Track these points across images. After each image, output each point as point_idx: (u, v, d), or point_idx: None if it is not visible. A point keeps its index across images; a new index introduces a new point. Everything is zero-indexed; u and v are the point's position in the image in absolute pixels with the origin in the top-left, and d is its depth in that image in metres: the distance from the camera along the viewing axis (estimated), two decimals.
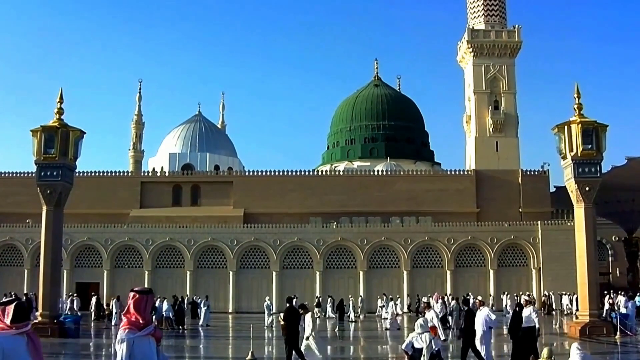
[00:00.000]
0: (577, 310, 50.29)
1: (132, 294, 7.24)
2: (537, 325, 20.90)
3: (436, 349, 15.73)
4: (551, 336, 37.91)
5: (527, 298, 23.91)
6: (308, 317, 19.96)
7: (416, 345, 15.56)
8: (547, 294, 58.11)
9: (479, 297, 23.93)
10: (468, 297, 23.92)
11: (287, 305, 21.44)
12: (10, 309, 6.34)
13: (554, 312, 56.11)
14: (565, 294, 55.09)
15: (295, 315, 20.54)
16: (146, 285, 60.43)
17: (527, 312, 21.22)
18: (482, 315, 20.22)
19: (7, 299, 6.67)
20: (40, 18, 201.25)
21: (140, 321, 6.95)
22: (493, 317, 20.50)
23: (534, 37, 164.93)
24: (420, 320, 16.36)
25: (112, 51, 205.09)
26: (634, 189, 64.26)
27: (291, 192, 71.80)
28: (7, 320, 6.28)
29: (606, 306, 38.51)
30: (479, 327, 19.93)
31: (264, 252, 62.94)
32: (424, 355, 15.52)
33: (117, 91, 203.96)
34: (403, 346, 16.39)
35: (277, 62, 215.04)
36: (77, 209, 57.06)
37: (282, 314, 21.42)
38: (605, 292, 47.12)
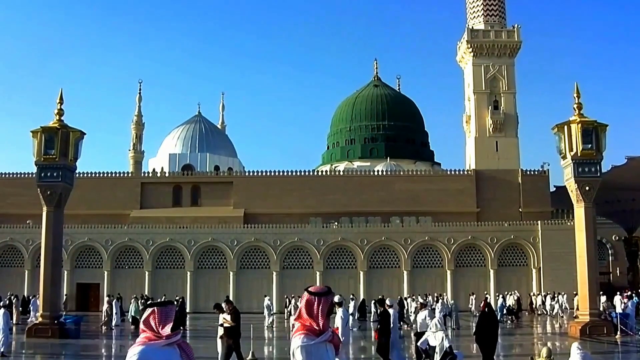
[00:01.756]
0: (563, 310, 50.52)
1: (305, 295, 6.14)
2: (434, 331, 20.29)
3: (448, 346, 16.10)
4: (551, 336, 37.98)
5: (421, 301, 23.07)
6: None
7: (431, 343, 16.10)
8: (532, 294, 58.37)
9: (487, 297, 23.78)
10: (383, 298, 23.69)
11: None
12: (171, 314, 5.55)
13: (536, 313, 56.36)
14: (548, 294, 55.35)
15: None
16: (146, 286, 60.66)
17: (421, 316, 20.28)
18: (421, 317, 20.02)
19: (161, 301, 5.86)
20: (40, 19, 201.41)
21: (315, 327, 5.95)
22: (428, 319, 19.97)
23: (533, 37, 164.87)
24: (435, 320, 16.75)
25: (112, 52, 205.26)
26: (634, 189, 64.27)
27: (291, 193, 71.83)
28: (165, 329, 5.45)
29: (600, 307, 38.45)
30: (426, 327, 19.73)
31: (264, 252, 62.97)
32: (437, 352, 15.96)
33: (117, 92, 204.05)
34: (419, 343, 16.90)
35: (277, 62, 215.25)
36: (77, 209, 57.12)
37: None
38: (601, 292, 47.15)
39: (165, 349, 5.42)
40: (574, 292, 52.27)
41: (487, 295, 48.35)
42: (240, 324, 20.12)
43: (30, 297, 48.35)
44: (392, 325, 19.62)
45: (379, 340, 19.84)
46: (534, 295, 59.21)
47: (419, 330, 20.26)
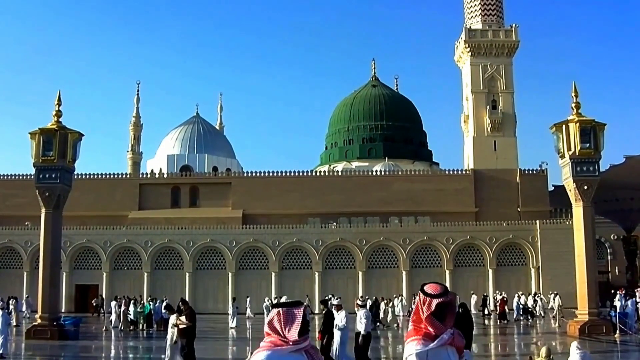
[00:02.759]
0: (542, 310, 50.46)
1: (421, 296, 5.40)
2: (362, 331, 19.77)
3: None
4: (550, 335, 38.00)
5: (359, 302, 22.73)
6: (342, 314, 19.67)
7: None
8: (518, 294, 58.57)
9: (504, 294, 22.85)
10: (328, 299, 23.61)
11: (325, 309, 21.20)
12: (298, 316, 4.96)
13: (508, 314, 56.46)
14: (530, 294, 55.46)
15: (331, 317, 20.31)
16: (145, 287, 60.58)
17: (359, 315, 20.13)
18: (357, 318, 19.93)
19: (289, 301, 5.30)
20: (38, 20, 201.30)
21: (432, 331, 5.29)
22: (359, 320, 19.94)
23: (531, 36, 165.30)
24: None
25: (110, 53, 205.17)
26: (633, 188, 64.29)
27: (290, 193, 71.83)
28: (292, 333, 4.89)
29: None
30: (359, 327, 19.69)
31: (262, 253, 62.96)
32: None
33: (115, 93, 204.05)
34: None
35: (275, 63, 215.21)
36: (76, 211, 57.05)
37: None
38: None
39: (292, 356, 4.89)
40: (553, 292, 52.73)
41: (481, 295, 48.49)
42: (195, 325, 20.05)
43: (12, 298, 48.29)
44: (341, 326, 19.56)
45: (321, 342, 19.77)
46: (517, 295, 59.00)
47: (357, 331, 20.15)
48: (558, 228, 60.55)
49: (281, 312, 4.94)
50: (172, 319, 20.32)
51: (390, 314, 45.98)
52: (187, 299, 26.24)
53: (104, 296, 59.00)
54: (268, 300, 47.75)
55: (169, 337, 19.99)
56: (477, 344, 28.37)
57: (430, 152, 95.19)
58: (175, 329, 20.01)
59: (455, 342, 5.34)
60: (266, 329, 5.01)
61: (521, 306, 49.19)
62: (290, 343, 4.85)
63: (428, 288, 5.37)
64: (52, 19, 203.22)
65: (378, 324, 41.88)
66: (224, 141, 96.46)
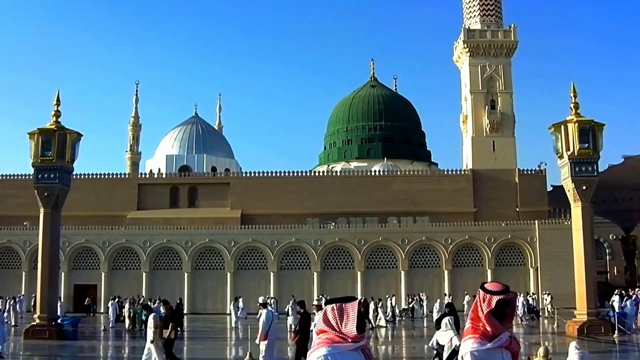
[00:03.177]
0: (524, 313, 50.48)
1: (481, 293, 5.21)
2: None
3: (458, 344, 16.21)
4: (549, 335, 38.01)
5: (315, 303, 22.45)
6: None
7: (440, 342, 16.31)
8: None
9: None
10: (302, 300, 23.49)
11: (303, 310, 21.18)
12: (353, 311, 4.71)
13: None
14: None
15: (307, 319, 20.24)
16: (144, 287, 60.58)
17: (318, 317, 20.00)
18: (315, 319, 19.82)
19: (343, 296, 5.03)
20: (37, 20, 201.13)
21: (490, 330, 5.08)
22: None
23: (530, 36, 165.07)
24: (445, 319, 16.97)
25: (109, 53, 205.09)
26: (631, 188, 64.38)
27: (288, 193, 71.84)
28: (348, 329, 4.67)
29: None
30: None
31: (261, 253, 62.95)
32: (445, 351, 16.12)
33: (113, 93, 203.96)
34: (430, 343, 17.09)
35: (274, 63, 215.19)
36: (74, 211, 56.97)
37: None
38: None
39: (351, 354, 4.69)
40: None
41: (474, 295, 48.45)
42: (179, 323, 19.94)
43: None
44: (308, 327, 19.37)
45: (297, 344, 19.66)
46: (522, 295, 59.00)
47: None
48: (557, 228, 60.56)
49: (335, 307, 4.78)
50: (151, 318, 20.29)
51: (381, 315, 45.36)
52: (184, 299, 26.13)
53: (101, 296, 58.98)
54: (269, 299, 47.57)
55: (149, 337, 19.96)
56: None
57: (429, 152, 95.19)
58: (153, 329, 19.97)
59: (512, 346, 5.18)
60: (320, 325, 4.84)
61: (525, 306, 49.38)
62: (349, 340, 4.68)
63: (489, 286, 5.23)
64: (51, 19, 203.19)
65: (370, 324, 41.88)
66: (223, 141, 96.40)
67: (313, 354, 4.71)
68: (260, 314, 18.93)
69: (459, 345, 16.30)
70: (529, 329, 43.03)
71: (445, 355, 16.70)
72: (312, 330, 20.02)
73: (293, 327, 23.13)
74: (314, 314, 20.17)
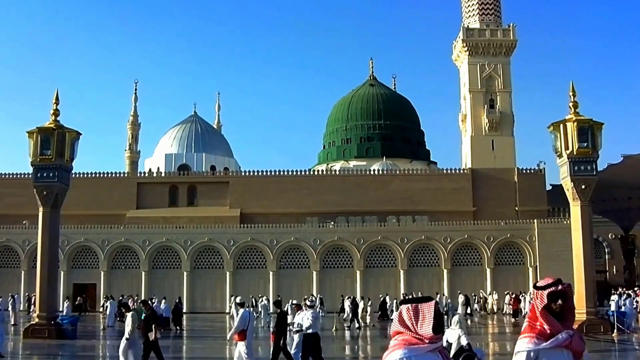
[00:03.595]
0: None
1: (533, 291, 5.03)
2: (306, 331, 19.01)
3: (466, 343, 16.43)
4: None
5: (307, 302, 22.24)
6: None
7: (449, 340, 16.56)
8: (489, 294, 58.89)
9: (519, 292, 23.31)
10: (278, 300, 23.50)
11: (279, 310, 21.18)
12: (429, 312, 4.56)
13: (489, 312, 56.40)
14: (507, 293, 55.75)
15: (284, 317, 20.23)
16: (143, 286, 60.58)
17: (306, 315, 19.39)
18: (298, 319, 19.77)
19: (421, 296, 4.91)
20: (36, 19, 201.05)
21: (547, 329, 4.84)
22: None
23: (529, 35, 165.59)
24: (455, 317, 17.19)
25: (108, 52, 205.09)
26: (630, 187, 64.38)
27: (287, 192, 71.85)
28: (425, 329, 4.51)
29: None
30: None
31: (260, 252, 62.93)
32: (452, 349, 16.33)
33: (113, 92, 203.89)
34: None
35: (273, 62, 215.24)
36: (73, 210, 57.00)
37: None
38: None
39: (428, 355, 4.53)
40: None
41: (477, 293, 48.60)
42: (157, 323, 19.87)
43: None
44: (304, 327, 19.18)
45: (275, 343, 19.62)
46: (489, 294, 59.31)
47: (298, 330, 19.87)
48: (556, 227, 60.55)
49: (410, 307, 4.62)
50: (129, 317, 20.27)
51: (368, 315, 44.77)
52: (183, 298, 26.07)
53: (101, 295, 58.95)
54: (266, 300, 47.58)
55: (125, 335, 19.95)
56: (481, 342, 28.35)
57: (428, 151, 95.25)
58: (131, 327, 19.97)
59: (573, 345, 4.90)
60: (396, 326, 4.66)
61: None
62: (427, 341, 4.51)
63: (539, 282, 5.08)
64: (49, 18, 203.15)
65: (357, 323, 41.84)
66: (222, 140, 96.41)
67: (390, 356, 4.54)
68: (237, 313, 18.94)
69: (468, 343, 16.51)
70: (514, 328, 42.99)
71: (452, 351, 16.86)
72: (289, 329, 19.99)
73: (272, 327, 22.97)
74: (297, 313, 20.14)
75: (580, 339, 4.94)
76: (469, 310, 53.10)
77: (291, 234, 62.91)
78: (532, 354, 4.83)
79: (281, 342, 19.98)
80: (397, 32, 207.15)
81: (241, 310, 18.34)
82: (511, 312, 49.27)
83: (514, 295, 50.25)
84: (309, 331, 18.79)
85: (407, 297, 4.32)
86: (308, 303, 20.52)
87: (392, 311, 49.70)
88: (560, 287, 4.93)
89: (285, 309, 40.21)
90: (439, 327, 4.53)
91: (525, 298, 51.45)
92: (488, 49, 79.86)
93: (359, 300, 45.99)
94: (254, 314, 46.95)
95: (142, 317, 20.07)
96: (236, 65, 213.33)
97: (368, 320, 43.74)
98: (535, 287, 5.00)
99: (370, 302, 46.03)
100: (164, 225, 64.68)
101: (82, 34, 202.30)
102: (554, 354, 4.83)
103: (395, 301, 50.98)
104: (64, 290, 58.57)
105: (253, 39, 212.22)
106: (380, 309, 51.27)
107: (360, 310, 43.80)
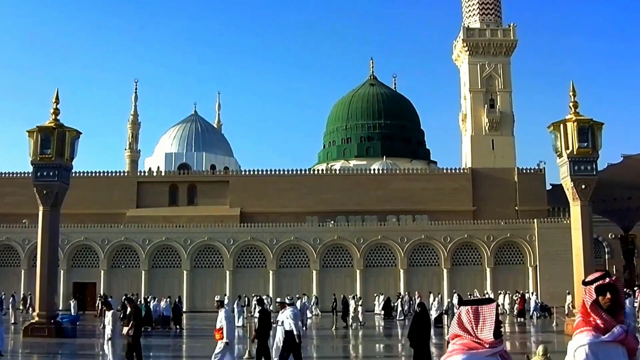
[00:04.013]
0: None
1: (583, 288, 4.77)
2: (295, 331, 18.97)
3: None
4: (548, 334, 38.04)
5: (286, 300, 22.18)
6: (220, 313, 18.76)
7: None
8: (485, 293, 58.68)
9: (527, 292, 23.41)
10: (261, 298, 23.47)
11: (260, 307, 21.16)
12: (490, 315, 4.34)
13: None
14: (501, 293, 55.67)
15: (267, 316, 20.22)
16: (143, 285, 60.58)
17: (285, 314, 19.47)
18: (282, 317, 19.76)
19: (480, 297, 4.77)
20: (36, 18, 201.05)
21: (600, 323, 4.59)
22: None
23: (529, 35, 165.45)
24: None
25: (108, 51, 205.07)
26: (630, 187, 64.28)
27: (287, 191, 71.84)
28: (485, 334, 4.32)
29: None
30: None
31: (260, 251, 62.95)
32: None
33: (113, 91, 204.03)
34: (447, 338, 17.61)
35: (273, 61, 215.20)
36: (73, 209, 57.02)
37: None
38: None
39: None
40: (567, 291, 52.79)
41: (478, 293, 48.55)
42: (141, 322, 19.81)
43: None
44: (285, 326, 19.18)
45: (259, 341, 19.57)
46: (485, 294, 59.25)
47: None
48: (556, 227, 60.57)
49: (470, 309, 4.41)
50: (109, 315, 20.26)
51: (360, 314, 44.23)
52: (183, 297, 25.98)
53: (100, 294, 58.98)
54: (266, 299, 47.59)
55: (106, 333, 19.96)
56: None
57: (428, 150, 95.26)
58: (112, 326, 19.97)
59: (629, 342, 4.63)
60: (455, 329, 4.46)
61: (539, 305, 49.70)
62: (487, 345, 4.31)
63: (587, 278, 4.76)
64: (50, 18, 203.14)
65: (346, 322, 41.83)
66: (222, 140, 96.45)
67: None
68: (220, 314, 18.91)
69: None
70: (527, 327, 43.09)
71: None
72: (274, 327, 19.93)
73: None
74: (281, 311, 20.13)
75: (634, 337, 4.70)
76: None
77: (291, 233, 62.92)
78: (593, 346, 4.54)
79: (268, 341, 20.04)
80: (397, 32, 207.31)
81: (222, 310, 18.33)
82: (516, 312, 49.14)
83: (520, 295, 50.25)
84: (289, 328, 18.87)
85: (467, 298, 4.06)
86: (287, 301, 20.56)
87: (398, 310, 49.55)
88: (607, 280, 4.67)
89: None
90: (498, 331, 4.36)
91: (531, 298, 51.66)
92: (488, 48, 79.89)
93: (350, 299, 45.68)
94: (249, 313, 47.00)
95: (125, 314, 20.00)
96: (236, 65, 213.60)
97: (361, 319, 43.60)
98: (583, 282, 4.75)
99: (361, 301, 45.77)
100: (164, 224, 64.71)
101: (82, 33, 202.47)
102: (610, 350, 4.58)
103: (401, 299, 51.00)
104: (64, 289, 58.62)
105: (253, 39, 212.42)
106: (385, 308, 51.21)
107: (351, 310, 43.71)
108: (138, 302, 42.92)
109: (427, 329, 19.42)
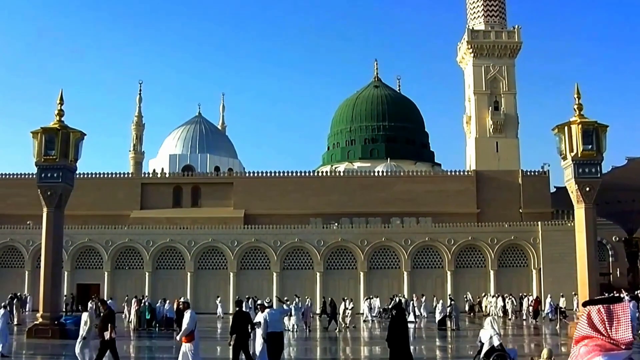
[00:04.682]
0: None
1: (587, 308, 4.43)
2: (263, 333, 19.19)
3: (498, 344, 16.88)
4: (552, 337, 37.98)
5: (265, 303, 22.23)
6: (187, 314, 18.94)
7: (482, 340, 17.26)
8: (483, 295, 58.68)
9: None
10: (241, 300, 23.46)
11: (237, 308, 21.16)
12: (624, 314, 4.15)
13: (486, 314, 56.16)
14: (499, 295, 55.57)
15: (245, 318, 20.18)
16: (146, 287, 60.62)
17: (262, 316, 19.66)
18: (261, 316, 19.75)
19: (610, 296, 4.51)
20: (40, 19, 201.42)
21: (610, 343, 4.29)
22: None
23: (533, 37, 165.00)
24: (489, 318, 17.81)
25: (112, 53, 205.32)
26: (634, 190, 64.29)
27: (291, 193, 71.82)
28: (621, 334, 4.12)
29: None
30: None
31: (264, 253, 62.95)
32: (484, 348, 16.91)
33: (117, 93, 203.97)
34: (477, 340, 18.68)
35: (277, 63, 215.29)
36: (77, 210, 57.10)
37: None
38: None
39: None
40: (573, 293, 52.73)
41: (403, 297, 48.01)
42: (114, 323, 19.78)
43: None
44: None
45: (235, 342, 19.53)
46: (483, 296, 59.27)
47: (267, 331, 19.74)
48: (560, 230, 60.48)
49: (602, 309, 4.21)
50: (86, 316, 20.28)
51: (349, 316, 44.05)
52: (186, 299, 25.85)
53: (105, 295, 58.99)
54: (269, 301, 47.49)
55: (80, 333, 19.98)
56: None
57: (432, 153, 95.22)
58: (88, 326, 20.01)
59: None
60: (585, 330, 4.24)
61: (554, 306, 49.77)
62: (623, 346, 4.11)
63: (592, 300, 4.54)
64: (54, 18, 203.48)
65: (337, 324, 41.73)
66: (226, 141, 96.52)
67: None
68: (185, 315, 19.00)
69: (500, 344, 17.07)
70: (533, 329, 43.02)
71: (483, 351, 17.48)
72: (253, 328, 19.93)
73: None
74: (258, 312, 20.14)
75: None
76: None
77: (295, 235, 62.91)
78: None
79: (249, 342, 20.04)
80: (401, 34, 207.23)
81: (189, 312, 18.40)
82: (532, 313, 49.35)
83: (534, 297, 50.43)
84: (269, 330, 19.02)
85: (594, 298, 3.77)
86: (265, 304, 20.71)
87: (410, 312, 48.81)
88: (610, 300, 4.44)
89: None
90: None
91: (545, 301, 51.67)
92: (493, 50, 79.82)
93: (348, 302, 45.57)
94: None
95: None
96: (241, 67, 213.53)
97: (348, 322, 43.40)
98: (587, 304, 4.51)
99: (351, 304, 45.59)
100: (168, 225, 64.75)
101: (86, 34, 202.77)
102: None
103: (412, 301, 50.68)
104: (68, 290, 58.68)
105: (258, 41, 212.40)
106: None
107: (341, 312, 43.66)
108: (143, 304, 43.11)
109: (404, 331, 19.34)
